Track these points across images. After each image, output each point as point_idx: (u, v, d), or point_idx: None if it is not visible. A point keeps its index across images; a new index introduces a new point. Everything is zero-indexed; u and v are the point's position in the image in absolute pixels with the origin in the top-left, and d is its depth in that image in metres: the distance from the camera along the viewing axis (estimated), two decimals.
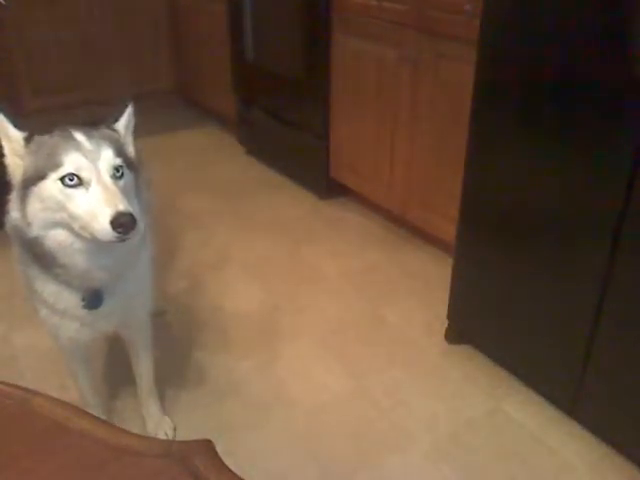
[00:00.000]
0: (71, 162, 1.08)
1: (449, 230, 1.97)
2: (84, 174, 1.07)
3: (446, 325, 1.94)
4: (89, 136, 1.12)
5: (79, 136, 1.11)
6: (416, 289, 2.24)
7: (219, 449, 0.61)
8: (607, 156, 1.32)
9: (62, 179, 1.07)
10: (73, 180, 1.07)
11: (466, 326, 1.89)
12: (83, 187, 1.07)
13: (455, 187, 1.78)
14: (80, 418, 0.60)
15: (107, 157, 1.10)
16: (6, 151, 1.14)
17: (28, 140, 1.13)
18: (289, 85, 2.91)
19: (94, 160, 1.09)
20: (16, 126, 1.13)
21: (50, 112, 3.56)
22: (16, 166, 1.14)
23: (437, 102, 2.14)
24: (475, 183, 1.67)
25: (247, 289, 2.27)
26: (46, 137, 1.14)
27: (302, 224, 2.73)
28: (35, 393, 0.63)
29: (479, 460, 1.55)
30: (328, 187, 2.90)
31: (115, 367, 1.84)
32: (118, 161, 1.12)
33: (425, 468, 1.53)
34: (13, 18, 3.43)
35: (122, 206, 1.04)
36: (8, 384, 0.64)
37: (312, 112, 2.80)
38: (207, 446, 0.58)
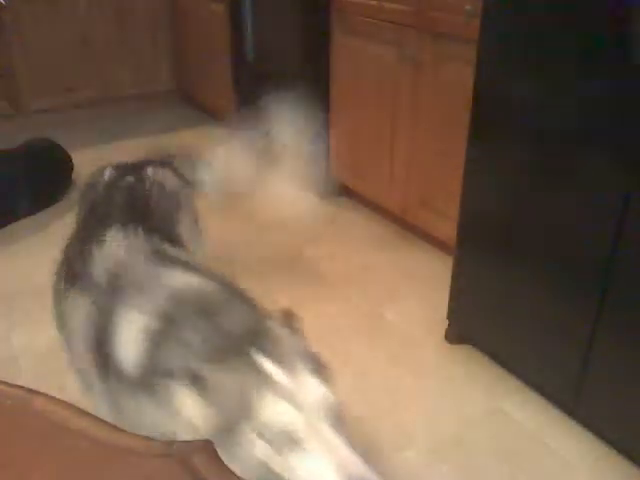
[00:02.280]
0: (273, 418, 0.81)
1: (449, 230, 1.97)
2: (294, 434, 0.81)
3: (446, 325, 1.94)
4: (280, 362, 0.85)
5: (270, 368, 0.84)
6: (416, 289, 2.24)
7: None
8: (608, 164, 1.32)
9: (262, 436, 0.82)
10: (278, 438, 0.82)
11: (466, 326, 1.89)
12: (294, 445, 0.81)
13: (455, 187, 1.78)
14: (80, 418, 0.60)
15: (321, 398, 0.83)
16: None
17: (197, 382, 0.85)
18: (289, 85, 2.91)
19: (304, 407, 0.82)
20: None
21: (50, 112, 3.57)
22: (194, 414, 0.87)
23: (437, 102, 2.14)
24: (475, 184, 1.67)
25: (246, 289, 2.26)
26: (225, 376, 0.86)
27: (302, 224, 2.72)
28: (35, 393, 0.63)
29: (479, 460, 1.55)
30: (328, 187, 2.90)
31: None
32: (335, 400, 0.85)
33: (425, 468, 1.53)
34: (13, 18, 3.43)
35: (357, 469, 0.78)
36: (8, 384, 0.63)
37: (312, 112, 2.80)
38: (207, 446, 0.58)
